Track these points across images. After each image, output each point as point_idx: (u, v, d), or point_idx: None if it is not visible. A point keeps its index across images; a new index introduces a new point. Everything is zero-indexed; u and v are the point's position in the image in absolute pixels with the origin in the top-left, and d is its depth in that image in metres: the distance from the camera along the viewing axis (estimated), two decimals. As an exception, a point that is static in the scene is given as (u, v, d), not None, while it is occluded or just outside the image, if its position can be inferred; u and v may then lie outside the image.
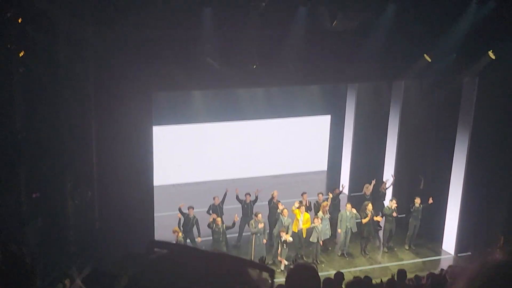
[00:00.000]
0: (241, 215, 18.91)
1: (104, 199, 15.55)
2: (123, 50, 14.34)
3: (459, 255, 19.04)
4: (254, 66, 15.59)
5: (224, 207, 18.76)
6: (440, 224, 19.48)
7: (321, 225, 18.25)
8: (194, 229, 17.85)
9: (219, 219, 17.56)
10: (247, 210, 18.96)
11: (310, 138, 25.48)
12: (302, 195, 19.44)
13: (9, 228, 13.67)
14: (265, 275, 1.66)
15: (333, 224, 18.97)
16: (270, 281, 1.66)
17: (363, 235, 19.04)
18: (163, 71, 14.94)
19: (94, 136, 15.03)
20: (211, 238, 17.69)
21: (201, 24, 14.67)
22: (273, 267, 16.79)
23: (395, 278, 13.34)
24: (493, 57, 17.02)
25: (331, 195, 19.72)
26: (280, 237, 17.67)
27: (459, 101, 18.62)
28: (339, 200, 19.95)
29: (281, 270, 17.50)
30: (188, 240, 17.63)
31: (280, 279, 13.13)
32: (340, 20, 15.38)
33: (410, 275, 14.00)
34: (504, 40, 16.84)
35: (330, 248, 19.28)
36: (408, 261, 18.94)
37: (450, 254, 19.22)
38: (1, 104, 13.27)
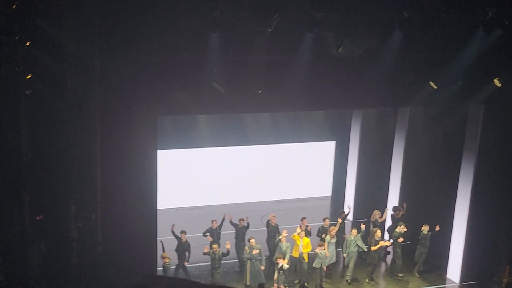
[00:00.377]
0: (235, 240, 18.92)
1: (108, 223, 15.49)
2: (129, 74, 14.37)
3: (464, 283, 18.88)
4: (260, 92, 15.60)
5: (222, 231, 18.80)
6: (445, 252, 19.34)
7: (328, 250, 18.18)
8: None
9: (215, 245, 17.56)
10: (239, 235, 18.90)
11: (314, 163, 25.47)
12: (301, 220, 19.42)
13: (13, 250, 13.61)
14: None
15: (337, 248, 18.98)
16: None
17: (368, 261, 18.97)
18: (169, 95, 14.97)
19: (98, 159, 15.00)
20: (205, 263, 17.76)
21: (207, 49, 14.71)
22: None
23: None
24: (499, 84, 17.02)
25: (340, 220, 19.71)
26: (276, 263, 17.56)
27: (465, 128, 18.59)
28: (344, 224, 19.87)
29: None
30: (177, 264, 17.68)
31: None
32: (346, 46, 15.41)
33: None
34: (510, 67, 16.87)
35: (332, 273, 19.17)
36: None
37: (455, 282, 19.06)
38: (7, 126, 13.29)
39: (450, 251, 19.22)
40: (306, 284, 18.39)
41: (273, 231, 19.31)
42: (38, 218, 14.21)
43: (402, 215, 20.18)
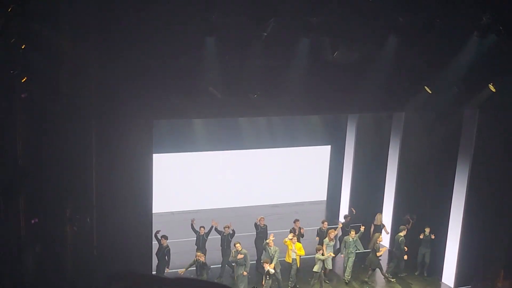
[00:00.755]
0: (220, 247, 18.81)
1: (103, 226, 15.48)
2: (125, 78, 14.39)
3: (458, 288, 18.94)
4: (255, 96, 15.63)
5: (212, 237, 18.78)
6: (440, 257, 19.38)
7: (326, 252, 18.23)
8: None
9: (199, 253, 17.49)
10: (224, 242, 18.78)
11: (310, 168, 25.48)
12: (294, 222, 19.47)
13: (8, 253, 13.60)
14: None
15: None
16: None
17: (369, 265, 19.14)
18: (164, 99, 14.98)
19: (94, 162, 15.01)
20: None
21: (203, 53, 14.74)
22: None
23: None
24: (494, 90, 17.08)
25: (341, 225, 19.78)
26: (263, 268, 17.53)
27: (460, 133, 18.65)
28: (350, 227, 19.87)
29: None
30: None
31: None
32: (342, 51, 15.46)
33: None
34: (504, 73, 16.93)
35: (327, 279, 19.21)
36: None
37: (450, 286, 19.09)
38: (2, 130, 13.29)
39: (445, 255, 19.25)
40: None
41: (261, 232, 19.33)
42: (33, 221, 14.20)
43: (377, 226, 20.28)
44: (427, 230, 19.31)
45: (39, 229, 14.40)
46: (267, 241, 18.06)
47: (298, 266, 18.36)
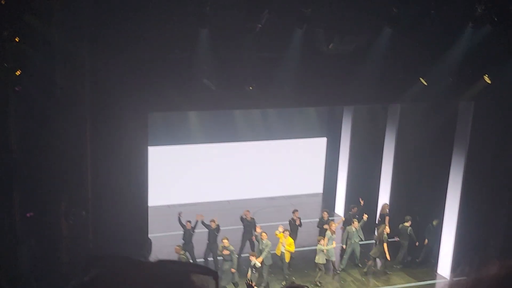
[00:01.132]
0: (207, 241, 18.73)
1: (99, 220, 15.46)
2: (120, 71, 14.34)
3: (454, 279, 18.94)
4: (251, 88, 15.60)
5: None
6: (435, 247, 19.42)
7: (328, 245, 18.27)
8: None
9: (177, 247, 17.37)
10: (211, 237, 18.68)
11: (305, 160, 25.48)
12: (293, 212, 19.50)
13: (3, 248, 13.58)
14: (208, 278, 1.61)
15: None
16: (214, 284, 1.60)
17: (373, 256, 19.28)
18: (159, 91, 14.94)
19: (89, 156, 14.97)
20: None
21: (197, 45, 14.70)
22: None
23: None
24: (489, 81, 17.07)
25: (343, 219, 19.93)
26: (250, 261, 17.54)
27: (455, 125, 18.65)
28: (356, 217, 19.93)
29: None
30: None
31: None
32: (336, 43, 15.43)
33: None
34: (499, 64, 16.92)
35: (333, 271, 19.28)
36: (403, 284, 18.86)
37: (445, 278, 19.13)
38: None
39: (441, 246, 19.28)
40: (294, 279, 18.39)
41: (248, 225, 19.31)
42: (28, 215, 14.17)
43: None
44: (435, 222, 19.41)
45: (34, 223, 14.37)
46: (258, 231, 18.02)
47: (288, 261, 18.29)
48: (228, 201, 23.60)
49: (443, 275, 19.23)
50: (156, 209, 20.45)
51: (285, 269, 18.29)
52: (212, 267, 18.35)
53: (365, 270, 19.31)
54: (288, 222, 19.63)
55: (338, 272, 19.11)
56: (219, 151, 24.09)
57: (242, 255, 18.88)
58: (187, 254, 17.44)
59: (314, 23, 14.90)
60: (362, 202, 20.65)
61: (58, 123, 14.15)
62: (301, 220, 19.66)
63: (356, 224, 19.15)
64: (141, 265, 1.62)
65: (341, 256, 19.50)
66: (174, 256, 17.93)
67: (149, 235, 16.90)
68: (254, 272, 17.34)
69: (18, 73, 12.93)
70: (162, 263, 1.63)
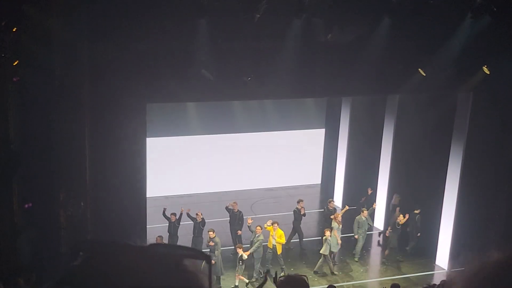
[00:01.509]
0: (193, 234, 18.63)
1: (97, 211, 15.46)
2: (118, 61, 14.30)
3: (452, 270, 18.96)
4: (249, 79, 15.57)
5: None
6: (433, 238, 19.44)
7: (335, 236, 18.40)
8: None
9: (159, 238, 17.29)
10: (196, 229, 18.57)
11: (304, 151, 25.48)
12: (298, 202, 19.53)
13: (1, 238, 13.57)
14: (202, 262, 1.59)
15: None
16: (208, 268, 1.58)
17: (390, 245, 19.49)
18: (157, 82, 14.92)
19: (87, 147, 14.96)
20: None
21: (195, 36, 14.66)
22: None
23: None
24: (488, 72, 17.05)
25: (347, 207, 19.91)
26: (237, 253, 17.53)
27: (454, 115, 18.63)
28: (365, 206, 20.10)
29: (233, 287, 17.46)
30: None
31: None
32: (335, 33, 15.40)
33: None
34: (498, 55, 16.88)
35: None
36: (401, 275, 18.89)
37: (443, 269, 19.15)
38: (-6, 114, 13.20)
39: (439, 238, 19.31)
40: (283, 274, 18.36)
41: (233, 217, 19.25)
42: (26, 206, 14.16)
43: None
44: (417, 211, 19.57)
45: (33, 214, 14.36)
46: (250, 222, 18.02)
47: (279, 253, 18.21)
48: (226, 192, 23.60)
49: (442, 266, 19.26)
50: (154, 200, 20.47)
51: (280, 260, 18.21)
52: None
53: (384, 259, 19.53)
54: (292, 212, 19.76)
55: (337, 263, 19.13)
56: (217, 142, 24.08)
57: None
58: None
59: (313, 13, 14.86)
60: (370, 191, 20.75)
61: (57, 114, 14.11)
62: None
63: (365, 213, 19.36)
64: (133, 249, 1.60)
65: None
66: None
67: (147, 226, 16.90)
68: (240, 264, 17.34)
69: (16, 63, 12.89)
70: (154, 246, 1.61)
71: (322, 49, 15.89)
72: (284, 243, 18.34)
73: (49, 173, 14.39)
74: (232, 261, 18.42)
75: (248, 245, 17.95)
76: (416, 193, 20.46)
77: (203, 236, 18.18)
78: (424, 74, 16.96)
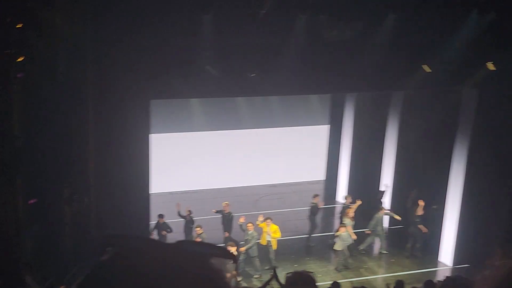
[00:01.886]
0: (183, 231, 18.48)
1: (101, 207, 15.48)
2: (122, 58, 14.30)
3: (456, 266, 18.94)
4: (253, 75, 15.55)
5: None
6: (437, 235, 19.41)
7: (349, 232, 18.45)
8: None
9: (202, 233, 17.30)
10: (186, 227, 18.45)
11: (308, 147, 25.45)
12: (313, 197, 19.57)
13: (6, 234, 13.58)
14: (228, 261, 1.59)
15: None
16: (234, 267, 1.58)
17: (412, 237, 19.54)
18: (161, 78, 14.90)
19: (91, 143, 14.97)
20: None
21: (200, 31, 14.64)
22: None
23: (393, 289, 13.27)
24: (493, 68, 16.98)
25: (358, 202, 19.85)
26: None
27: (458, 112, 18.57)
28: (381, 202, 20.12)
29: None
30: None
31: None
32: (339, 29, 15.36)
33: (407, 287, 13.93)
34: (504, 51, 16.79)
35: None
36: (405, 272, 18.87)
37: (447, 265, 19.13)
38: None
39: (443, 234, 19.28)
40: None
41: (224, 218, 18.86)
42: (31, 202, 14.17)
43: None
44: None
45: (37, 210, 14.37)
46: (242, 221, 17.85)
47: (275, 248, 18.05)
48: (230, 188, 23.59)
49: (445, 263, 19.23)
50: (158, 196, 20.47)
51: (272, 258, 17.90)
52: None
53: (407, 254, 19.57)
54: (309, 207, 19.82)
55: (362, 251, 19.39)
56: (221, 138, 24.07)
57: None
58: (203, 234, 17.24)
59: (317, 9, 14.82)
60: (386, 188, 20.75)
61: (61, 110, 14.12)
62: (302, 208, 19.66)
63: (383, 210, 19.41)
64: (161, 245, 1.60)
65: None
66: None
67: (151, 222, 16.92)
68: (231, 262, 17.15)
69: (20, 59, 12.87)
70: (182, 243, 1.61)
71: (327, 45, 15.84)
72: (279, 237, 18.22)
73: (53, 169, 14.41)
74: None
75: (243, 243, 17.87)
76: (420, 189, 20.41)
77: (193, 234, 17.94)
78: (429, 70, 16.89)
